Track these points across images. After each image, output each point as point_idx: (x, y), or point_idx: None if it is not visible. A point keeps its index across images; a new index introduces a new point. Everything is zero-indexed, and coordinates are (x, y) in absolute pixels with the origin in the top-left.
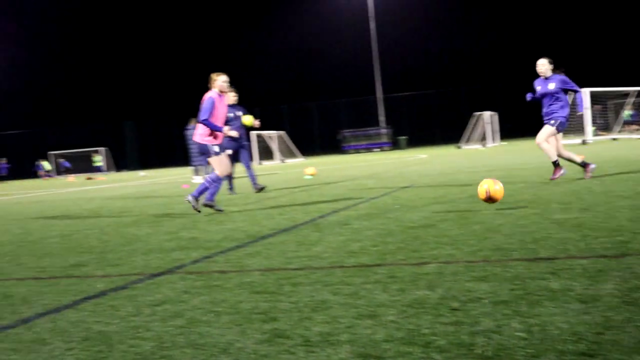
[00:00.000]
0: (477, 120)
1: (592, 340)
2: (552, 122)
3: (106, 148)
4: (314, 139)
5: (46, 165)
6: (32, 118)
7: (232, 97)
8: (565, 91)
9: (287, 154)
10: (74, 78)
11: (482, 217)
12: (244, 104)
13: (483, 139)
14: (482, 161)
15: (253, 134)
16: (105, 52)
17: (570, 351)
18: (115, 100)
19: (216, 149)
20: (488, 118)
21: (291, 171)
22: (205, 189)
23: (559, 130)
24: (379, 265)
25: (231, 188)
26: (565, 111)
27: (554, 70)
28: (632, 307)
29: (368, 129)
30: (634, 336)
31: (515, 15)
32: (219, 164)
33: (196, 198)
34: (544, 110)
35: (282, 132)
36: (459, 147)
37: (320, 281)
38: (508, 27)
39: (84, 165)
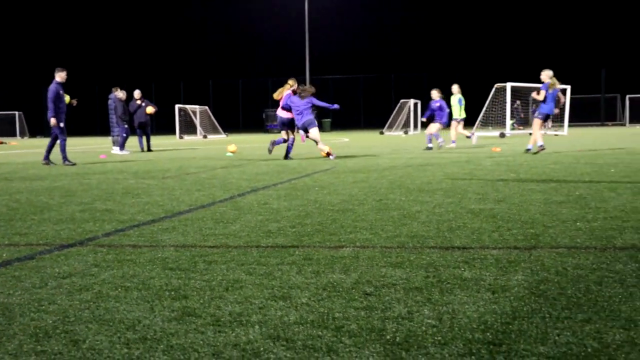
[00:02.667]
0: (400, 108)
1: (499, 329)
2: None
3: (20, 112)
4: (238, 116)
5: None
6: None
7: (64, 75)
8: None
9: (210, 129)
10: None
11: (400, 203)
12: (172, 76)
13: (405, 126)
14: (404, 148)
15: (176, 107)
16: (27, 14)
17: (477, 340)
18: (34, 64)
19: None
20: (412, 106)
21: (212, 147)
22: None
23: None
24: (295, 246)
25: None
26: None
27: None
28: (539, 298)
29: None
30: (539, 327)
31: (447, 8)
32: None
33: None
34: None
35: (205, 107)
36: (381, 133)
37: (235, 260)
38: (438, 19)
39: None
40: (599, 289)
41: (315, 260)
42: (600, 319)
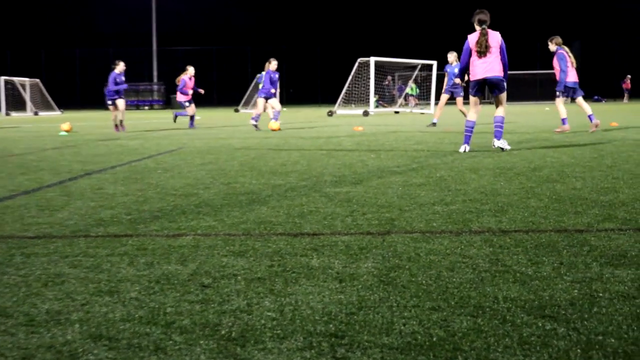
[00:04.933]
0: (258, 83)
1: (343, 320)
2: None
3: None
4: (75, 91)
5: None
6: None
7: None
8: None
9: (42, 105)
10: None
11: (250, 187)
12: None
13: None
14: (260, 127)
15: (1, 79)
16: None
17: (319, 332)
18: None
19: None
20: None
21: (44, 126)
22: None
23: None
24: (129, 235)
25: None
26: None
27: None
28: (388, 286)
29: (138, 83)
30: (385, 317)
31: None
32: None
33: None
34: None
35: (36, 80)
36: (237, 111)
37: (59, 252)
38: None
39: None
40: (451, 275)
41: (150, 250)
42: (448, 306)
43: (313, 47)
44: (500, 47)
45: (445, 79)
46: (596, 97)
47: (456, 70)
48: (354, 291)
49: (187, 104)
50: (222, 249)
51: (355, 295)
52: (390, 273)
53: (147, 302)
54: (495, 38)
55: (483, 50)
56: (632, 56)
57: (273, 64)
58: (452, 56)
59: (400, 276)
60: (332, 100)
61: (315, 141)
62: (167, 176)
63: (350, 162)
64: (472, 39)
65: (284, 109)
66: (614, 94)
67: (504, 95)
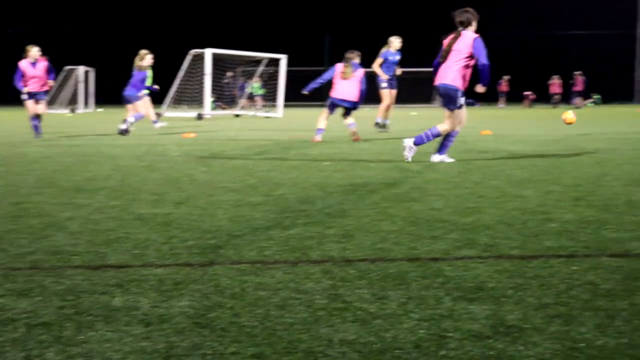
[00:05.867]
0: (66, 77)
1: None
2: None
3: None
4: None
5: None
6: None
7: None
8: None
9: None
10: None
11: (46, 208)
12: None
13: (73, 102)
14: (68, 132)
15: None
16: None
17: None
18: None
19: None
20: (82, 75)
21: None
22: None
23: None
24: None
25: None
26: None
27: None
28: (204, 330)
29: None
30: None
31: None
32: None
33: None
34: None
35: None
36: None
37: None
38: None
39: None
40: (281, 314)
41: None
42: (274, 352)
43: (134, 35)
44: (474, 50)
45: (377, 68)
46: (469, 101)
47: (397, 59)
48: (161, 337)
49: (24, 97)
50: (0, 288)
51: (163, 342)
52: (208, 313)
53: None
54: (464, 42)
55: (443, 54)
56: (513, 54)
57: (148, 58)
58: (397, 41)
59: (221, 317)
60: (158, 100)
61: (134, 150)
62: None
63: (176, 177)
64: (445, 41)
65: (99, 110)
66: (491, 97)
67: (455, 113)
